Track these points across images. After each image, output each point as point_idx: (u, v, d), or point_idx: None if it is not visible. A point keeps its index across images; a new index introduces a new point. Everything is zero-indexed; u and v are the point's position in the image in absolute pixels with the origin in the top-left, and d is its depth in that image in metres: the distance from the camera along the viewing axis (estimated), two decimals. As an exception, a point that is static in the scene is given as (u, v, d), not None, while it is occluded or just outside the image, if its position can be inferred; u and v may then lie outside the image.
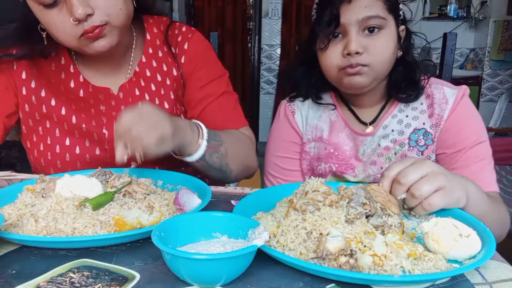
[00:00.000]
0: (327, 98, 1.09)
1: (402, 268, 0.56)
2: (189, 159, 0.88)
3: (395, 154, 1.00)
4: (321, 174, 1.07)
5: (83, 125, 1.01)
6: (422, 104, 1.01)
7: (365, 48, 0.91)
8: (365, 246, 0.58)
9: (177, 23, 1.12)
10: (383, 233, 0.61)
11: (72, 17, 0.83)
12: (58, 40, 0.90)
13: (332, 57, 0.95)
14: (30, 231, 0.64)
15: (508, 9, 3.85)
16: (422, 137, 1.00)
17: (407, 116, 1.01)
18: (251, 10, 4.58)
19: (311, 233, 0.60)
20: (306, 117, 1.10)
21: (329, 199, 0.64)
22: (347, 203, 0.64)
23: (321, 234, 0.59)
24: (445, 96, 0.99)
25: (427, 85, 1.02)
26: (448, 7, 4.08)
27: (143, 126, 0.74)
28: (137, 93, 1.04)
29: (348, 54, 0.91)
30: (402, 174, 0.71)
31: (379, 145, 1.01)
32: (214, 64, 1.11)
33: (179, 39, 1.08)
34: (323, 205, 0.63)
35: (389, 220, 0.63)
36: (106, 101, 1.03)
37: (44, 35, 0.94)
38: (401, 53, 0.99)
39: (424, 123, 1.00)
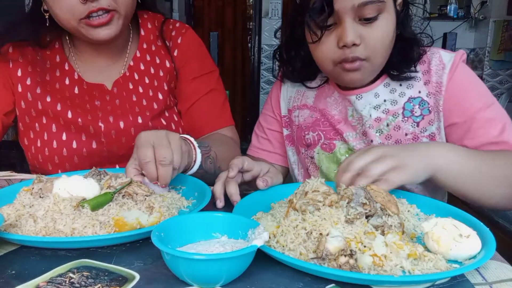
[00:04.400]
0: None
1: (402, 268, 0.56)
2: (190, 171, 0.88)
3: (388, 125, 0.92)
4: (310, 144, 1.01)
5: (79, 120, 1.02)
6: (417, 71, 0.93)
7: (362, 38, 0.82)
8: (365, 247, 0.58)
9: (172, 20, 1.14)
10: (383, 233, 0.61)
11: None
12: (59, 19, 0.92)
13: (325, 51, 0.86)
14: (30, 232, 0.64)
15: (508, 9, 3.84)
16: (418, 106, 0.91)
17: (400, 84, 0.93)
18: (251, 10, 4.58)
19: (311, 233, 0.60)
20: (294, 85, 1.06)
21: (329, 199, 0.64)
22: (347, 203, 0.64)
23: (321, 234, 0.59)
24: (441, 61, 0.91)
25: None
26: (448, 7, 4.07)
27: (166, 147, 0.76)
28: (131, 87, 1.06)
29: (344, 45, 0.82)
30: (346, 162, 0.72)
31: (370, 115, 0.93)
32: (205, 59, 1.14)
33: (173, 33, 1.11)
34: (323, 205, 0.63)
35: (389, 220, 0.63)
36: (100, 97, 1.04)
37: (47, 16, 0.95)
38: (399, 31, 0.89)
39: (420, 91, 0.92)
